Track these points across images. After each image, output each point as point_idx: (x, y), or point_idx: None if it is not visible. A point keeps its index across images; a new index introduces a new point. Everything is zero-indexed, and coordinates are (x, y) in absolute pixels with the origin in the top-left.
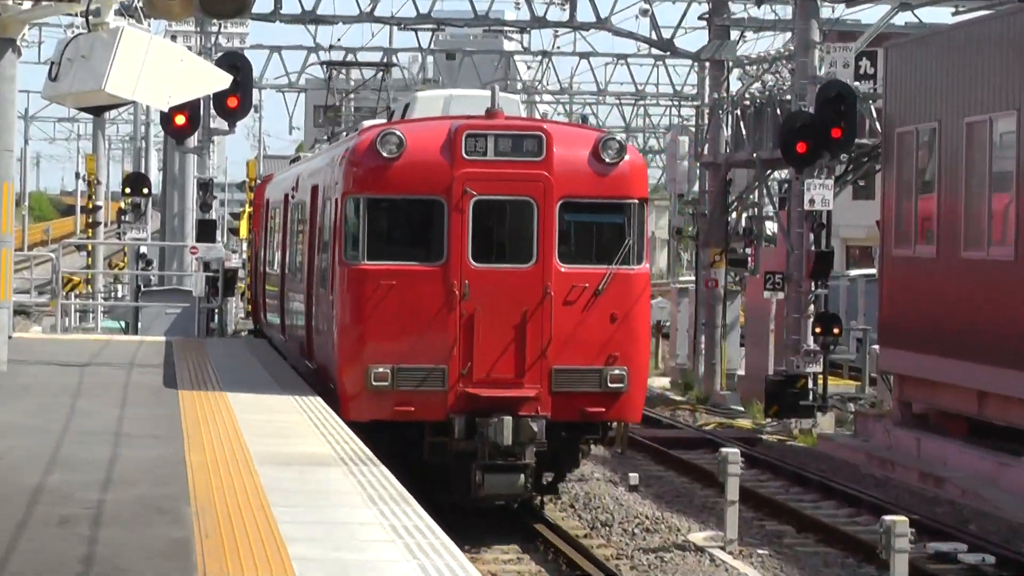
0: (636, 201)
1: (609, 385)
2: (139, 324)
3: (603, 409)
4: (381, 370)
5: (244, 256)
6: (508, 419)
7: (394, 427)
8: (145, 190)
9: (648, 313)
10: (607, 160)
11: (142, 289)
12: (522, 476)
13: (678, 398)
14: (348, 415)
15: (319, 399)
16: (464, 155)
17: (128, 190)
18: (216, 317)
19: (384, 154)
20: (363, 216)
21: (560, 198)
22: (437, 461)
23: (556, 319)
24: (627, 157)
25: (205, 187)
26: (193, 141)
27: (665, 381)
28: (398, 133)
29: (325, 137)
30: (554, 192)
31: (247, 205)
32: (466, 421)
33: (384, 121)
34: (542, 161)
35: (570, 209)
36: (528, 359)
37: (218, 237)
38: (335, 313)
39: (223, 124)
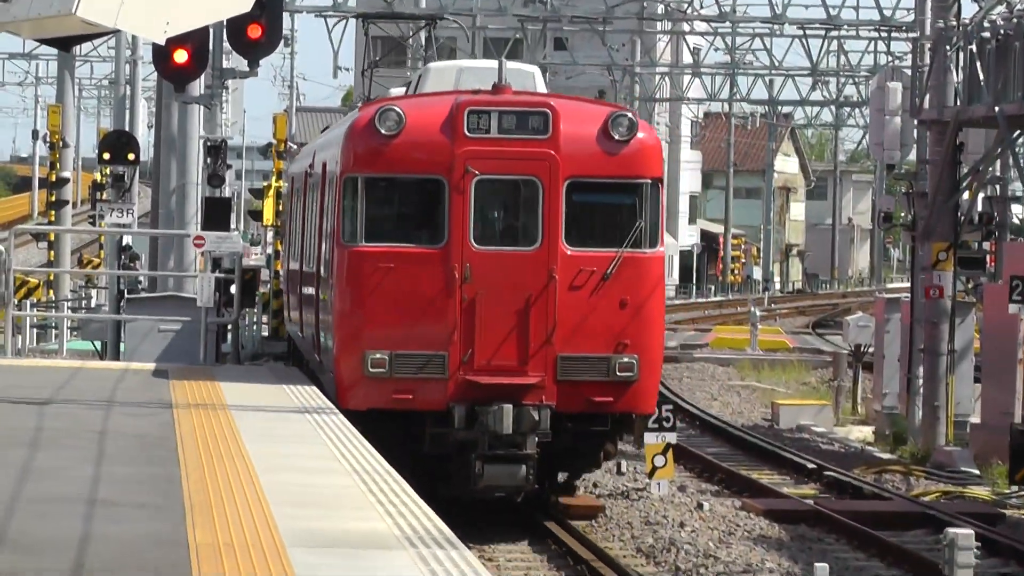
0: (649, 181)
1: (618, 374)
2: (122, 345)
3: (611, 399)
4: (378, 356)
5: (270, 250)
6: (508, 407)
7: (395, 416)
8: (131, 156)
9: (662, 299)
10: (617, 138)
11: (126, 296)
12: (524, 467)
13: (885, 455)
14: (345, 404)
15: (375, 455)
16: (466, 132)
17: (107, 156)
18: (230, 336)
19: (383, 131)
20: (361, 196)
21: (567, 178)
22: (439, 452)
23: (561, 304)
24: (639, 134)
25: (216, 152)
26: (199, 87)
27: (866, 431)
28: (397, 109)
29: (364, 96)
30: (560, 171)
31: (274, 178)
32: (467, 410)
33: (398, 95)
34: (548, 139)
35: (578, 189)
36: (532, 346)
37: (233, 223)
38: (333, 298)
39: (241, 63)
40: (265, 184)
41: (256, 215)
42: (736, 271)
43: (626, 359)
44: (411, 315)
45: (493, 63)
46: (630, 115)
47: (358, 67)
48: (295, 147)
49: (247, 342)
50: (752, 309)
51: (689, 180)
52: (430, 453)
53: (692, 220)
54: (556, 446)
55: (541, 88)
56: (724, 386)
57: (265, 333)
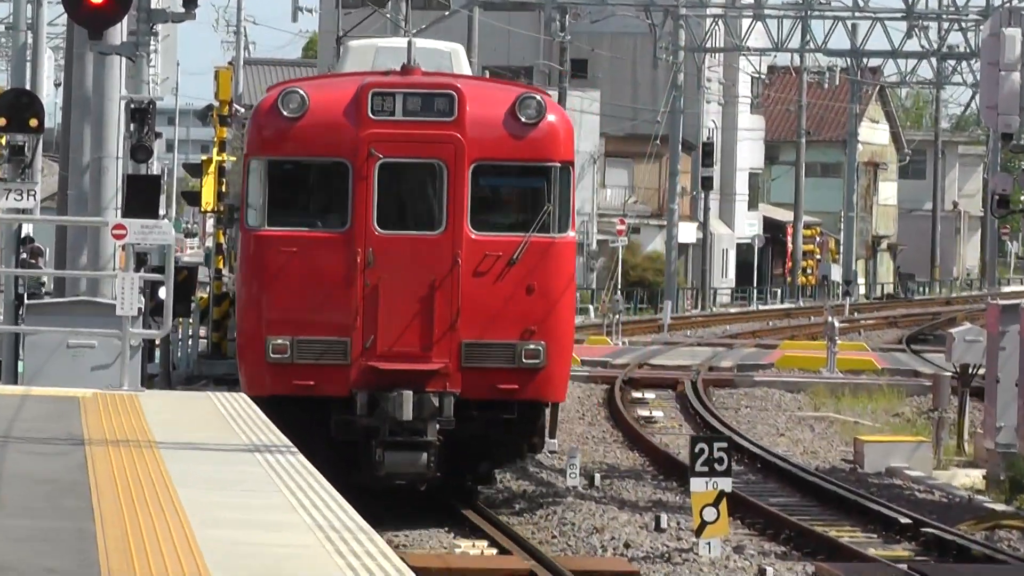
0: (558, 165)
1: (524, 361)
2: (20, 365)
3: (516, 386)
4: (279, 342)
5: (210, 243)
6: (408, 393)
7: (302, 403)
8: (32, 122)
9: (572, 285)
10: (525, 120)
11: (25, 302)
12: (425, 455)
13: (999, 507)
14: (248, 390)
15: (344, 506)
16: (370, 115)
17: (1, 122)
18: (159, 354)
19: (286, 113)
20: (264, 179)
21: (473, 161)
22: (345, 439)
23: (466, 290)
24: (549, 117)
25: (141, 117)
26: (120, 34)
27: (975, 475)
28: (300, 92)
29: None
30: (466, 154)
31: (215, 150)
32: (369, 396)
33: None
34: (453, 121)
35: (484, 173)
36: (436, 332)
37: (163, 208)
38: (238, 284)
39: (175, 3)
40: (204, 158)
41: (192, 198)
42: (809, 270)
43: (532, 346)
44: (314, 300)
45: (403, 41)
46: (539, 97)
47: (325, 6)
48: (243, 110)
49: (181, 361)
50: (829, 319)
51: (748, 153)
52: (337, 440)
53: (753, 205)
54: (464, 434)
55: (463, 69)
56: (793, 418)
57: (204, 350)
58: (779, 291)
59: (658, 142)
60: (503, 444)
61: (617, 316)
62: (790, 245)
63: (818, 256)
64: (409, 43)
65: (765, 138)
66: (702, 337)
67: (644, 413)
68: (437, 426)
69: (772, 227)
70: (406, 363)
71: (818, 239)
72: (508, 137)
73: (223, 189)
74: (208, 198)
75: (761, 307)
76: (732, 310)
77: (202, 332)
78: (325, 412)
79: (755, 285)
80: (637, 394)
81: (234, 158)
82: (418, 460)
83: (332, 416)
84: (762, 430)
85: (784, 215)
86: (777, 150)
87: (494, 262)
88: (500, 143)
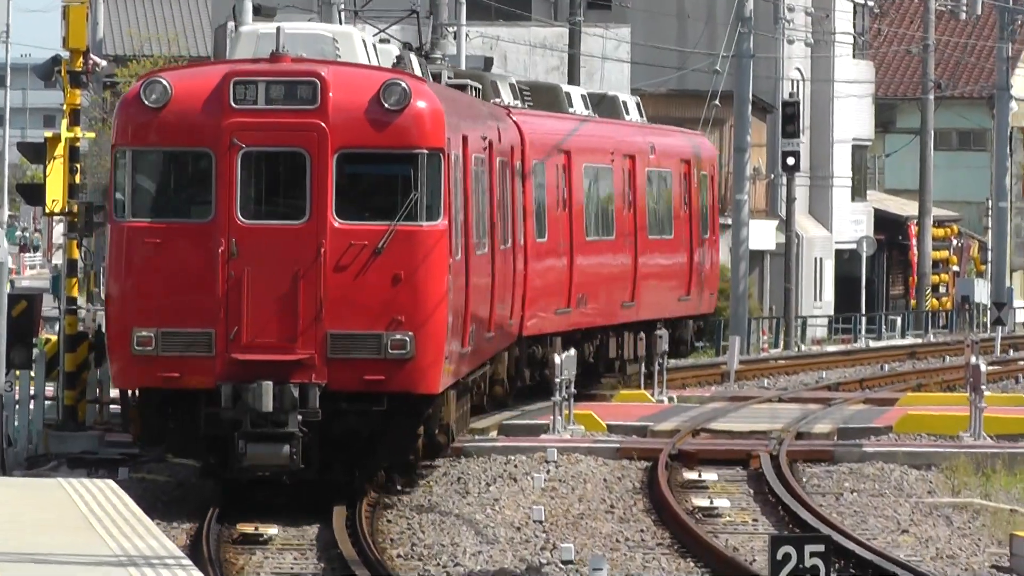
0: (425, 151)
1: (391, 352)
2: None
3: (383, 377)
4: (144, 334)
5: (60, 260)
6: (268, 384)
7: (172, 397)
8: None
9: (443, 273)
10: (389, 107)
11: None
12: (287, 446)
13: None
14: (115, 383)
15: None
16: (232, 103)
17: None
18: None
19: (147, 103)
20: (128, 170)
21: (337, 149)
22: (214, 432)
23: (331, 279)
24: (417, 103)
25: None
26: None
27: None
28: (163, 81)
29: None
30: (329, 142)
31: (64, 123)
32: (233, 389)
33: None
34: (316, 109)
35: (349, 160)
36: (301, 323)
37: None
38: (108, 276)
39: None
40: (49, 135)
41: (32, 193)
42: (943, 288)
43: (399, 336)
44: (179, 292)
45: (317, 27)
46: (404, 83)
47: None
48: (104, 64)
49: (18, 434)
50: (973, 361)
51: (851, 118)
52: (206, 434)
53: (859, 193)
54: (339, 427)
55: (355, 54)
56: (921, 506)
57: (53, 417)
58: (898, 320)
59: (717, 102)
60: (383, 439)
61: (660, 360)
62: (914, 252)
63: (956, 267)
64: (278, 29)
65: (876, 95)
66: (786, 389)
67: (702, 502)
68: (300, 417)
69: (887, 225)
70: (270, 354)
71: (955, 242)
72: (372, 124)
73: (78, 180)
74: (55, 193)
75: (873, 344)
76: (830, 348)
77: (50, 391)
78: (194, 405)
79: (863, 311)
80: (691, 474)
81: (92, 134)
82: (279, 452)
83: (200, 410)
84: (876, 525)
85: (904, 207)
86: (893, 112)
87: (359, 251)
88: (364, 130)
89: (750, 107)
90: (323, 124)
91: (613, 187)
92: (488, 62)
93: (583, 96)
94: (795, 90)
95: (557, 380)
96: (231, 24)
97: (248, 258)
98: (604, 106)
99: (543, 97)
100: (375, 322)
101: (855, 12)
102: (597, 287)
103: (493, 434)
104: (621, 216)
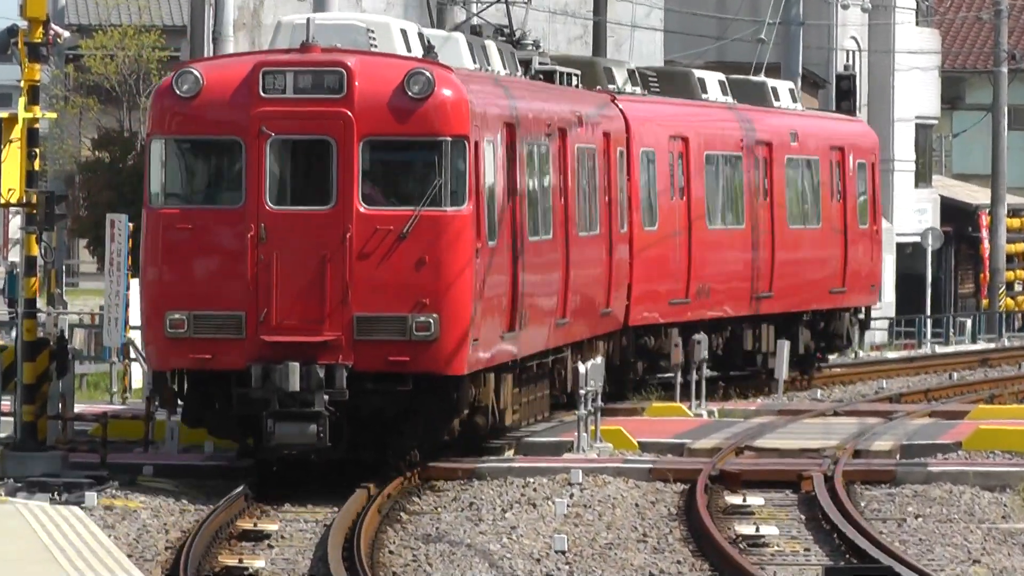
0: (448, 139)
1: (416, 333)
2: None
3: (407, 359)
4: (177, 316)
5: (15, 257)
6: (295, 365)
7: (206, 378)
8: None
9: (468, 256)
10: (412, 95)
11: None
12: (314, 425)
13: None
14: (150, 364)
15: None
16: (262, 93)
17: None
18: None
19: (179, 93)
20: (162, 158)
21: (363, 136)
22: (246, 412)
23: (357, 263)
24: (443, 91)
25: None
26: None
27: None
28: (195, 71)
29: None
30: (356, 130)
31: (23, 101)
32: (263, 369)
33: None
34: (342, 98)
35: (376, 148)
36: (328, 305)
37: None
38: (142, 261)
39: None
40: (5, 116)
41: None
42: (1018, 285)
43: (423, 318)
44: (210, 276)
45: (349, 16)
46: (428, 72)
47: None
48: (67, 35)
49: None
50: None
51: (914, 93)
52: (239, 413)
53: (923, 179)
54: (366, 407)
55: (395, 45)
56: (995, 532)
57: (10, 435)
58: (968, 322)
59: (763, 76)
60: (410, 419)
61: (701, 365)
62: (986, 245)
63: None
64: (308, 20)
65: (942, 67)
66: (841, 401)
67: (747, 530)
68: (326, 397)
69: (955, 215)
70: (298, 336)
71: None
72: (397, 112)
73: (37, 167)
74: (11, 182)
75: (939, 349)
76: (891, 355)
77: (6, 405)
78: (227, 386)
79: (928, 313)
80: (734, 499)
81: (54, 114)
82: (306, 430)
83: (233, 390)
84: (944, 555)
85: (975, 194)
86: (962, 87)
87: (385, 236)
88: (389, 118)
89: (800, 81)
90: (349, 112)
91: (742, 175)
92: (501, 31)
93: (720, 82)
94: (851, 62)
95: (581, 392)
96: None
97: (277, 243)
98: (748, 92)
99: (672, 83)
100: (400, 305)
101: None
102: (722, 277)
103: (509, 453)
104: (753, 205)
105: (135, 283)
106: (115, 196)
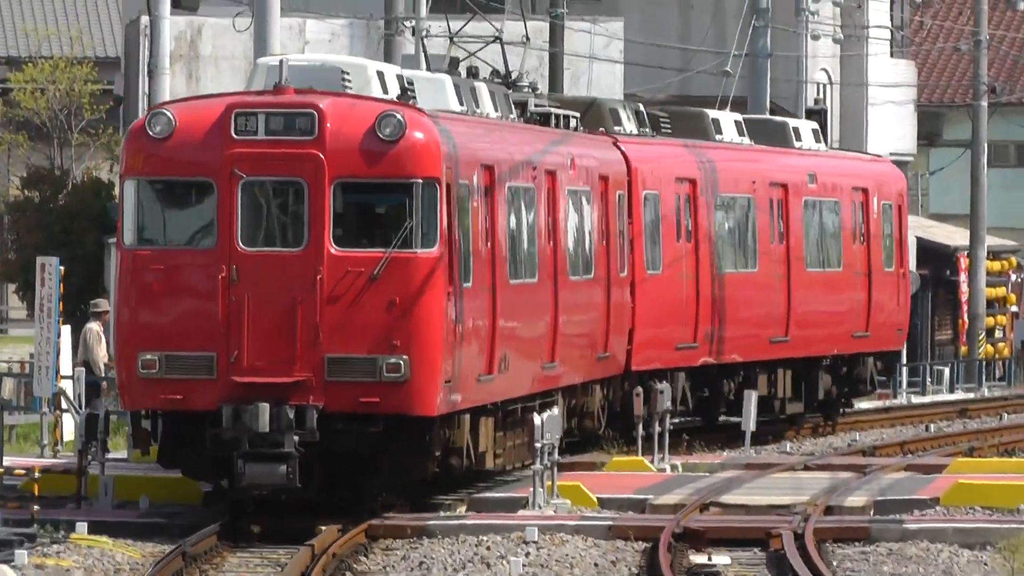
0: (420, 181)
1: (386, 375)
2: None
3: (378, 399)
4: (149, 357)
5: None
6: (265, 405)
7: (180, 419)
8: None
9: (439, 298)
10: (383, 137)
11: None
12: (284, 466)
13: None
14: (122, 404)
15: None
16: (234, 135)
17: None
18: None
19: (152, 134)
20: (134, 198)
21: (334, 178)
22: (219, 454)
23: (328, 304)
24: (413, 133)
25: None
26: None
27: None
28: (167, 113)
29: None
30: (326, 172)
31: None
32: (234, 410)
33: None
34: (314, 140)
35: (348, 190)
36: (299, 346)
37: None
38: (115, 301)
39: None
40: None
41: None
42: (999, 332)
43: (393, 360)
44: (182, 316)
45: (323, 58)
46: (399, 115)
47: None
48: None
49: None
50: None
51: (888, 126)
52: (212, 455)
53: None
54: (338, 448)
55: (371, 87)
56: None
57: None
58: (946, 370)
59: (769, 113)
60: (384, 461)
61: (663, 417)
62: (964, 288)
63: (1014, 307)
64: (281, 62)
65: (918, 101)
66: (812, 454)
67: None
68: (296, 438)
69: (932, 257)
70: (269, 377)
71: (1014, 277)
72: (368, 154)
73: None
74: None
75: (916, 399)
76: (865, 405)
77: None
78: (200, 428)
79: (904, 360)
80: (699, 557)
81: None
82: (276, 471)
83: (206, 431)
84: None
85: (953, 235)
86: (939, 122)
87: (356, 278)
88: (360, 161)
89: (769, 115)
90: (320, 155)
91: (755, 217)
92: (454, 63)
93: (737, 122)
94: (822, 95)
95: (537, 444)
96: (144, 19)
97: (248, 284)
98: (768, 132)
99: (685, 124)
100: (371, 346)
101: (893, 2)
102: (734, 321)
103: (461, 509)
104: (767, 248)
105: (66, 330)
106: (45, 237)
